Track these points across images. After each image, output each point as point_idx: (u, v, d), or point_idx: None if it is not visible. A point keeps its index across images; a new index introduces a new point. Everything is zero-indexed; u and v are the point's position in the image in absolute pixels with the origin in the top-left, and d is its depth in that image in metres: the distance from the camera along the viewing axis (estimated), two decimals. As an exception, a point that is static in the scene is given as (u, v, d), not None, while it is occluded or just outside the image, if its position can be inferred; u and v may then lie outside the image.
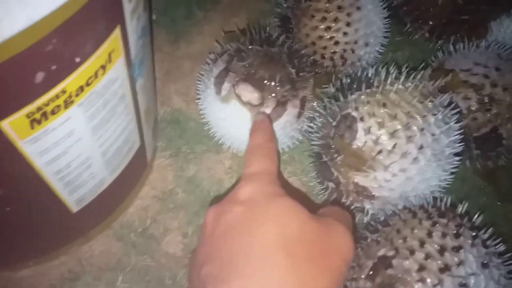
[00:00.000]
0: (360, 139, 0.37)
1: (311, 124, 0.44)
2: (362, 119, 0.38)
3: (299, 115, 0.44)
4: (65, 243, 0.41)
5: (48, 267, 0.42)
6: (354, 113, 0.38)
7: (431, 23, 0.47)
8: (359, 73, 0.43)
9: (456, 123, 0.39)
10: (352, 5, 0.47)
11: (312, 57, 0.50)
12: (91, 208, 0.38)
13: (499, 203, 0.50)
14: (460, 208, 0.36)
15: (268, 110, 0.42)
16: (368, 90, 0.39)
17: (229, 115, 0.43)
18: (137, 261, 0.43)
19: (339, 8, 0.47)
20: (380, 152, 0.37)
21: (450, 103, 0.40)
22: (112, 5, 0.24)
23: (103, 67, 0.26)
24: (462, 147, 0.39)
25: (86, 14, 0.22)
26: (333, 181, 0.41)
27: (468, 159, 0.48)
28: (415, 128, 0.36)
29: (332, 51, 0.49)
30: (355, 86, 0.40)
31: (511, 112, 0.43)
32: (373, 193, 0.39)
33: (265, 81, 0.41)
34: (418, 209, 0.36)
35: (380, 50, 0.52)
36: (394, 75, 0.39)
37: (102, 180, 0.36)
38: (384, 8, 0.50)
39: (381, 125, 0.37)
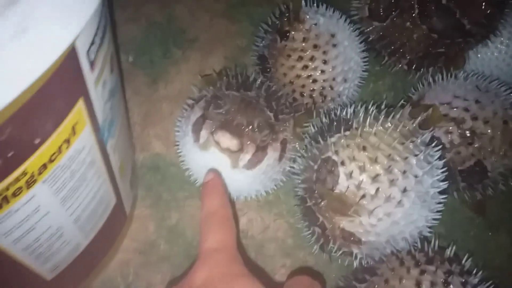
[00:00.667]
0: (343, 184, 0.36)
1: (294, 166, 0.43)
2: (343, 163, 0.37)
3: (281, 158, 0.43)
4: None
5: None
6: (334, 157, 0.37)
7: (408, 56, 0.47)
8: (338, 112, 0.42)
9: (439, 160, 0.39)
10: (328, 43, 0.47)
11: (292, 96, 0.49)
12: (68, 273, 0.36)
13: (490, 234, 0.49)
14: (449, 251, 0.35)
15: (248, 156, 0.41)
16: (347, 133, 0.38)
17: (209, 161, 0.42)
18: (120, 320, 0.41)
19: (315, 46, 0.46)
20: (363, 197, 0.36)
21: (432, 140, 0.40)
22: (72, 80, 0.23)
23: (67, 141, 0.25)
24: (446, 184, 0.39)
25: (43, 96, 0.21)
26: (319, 226, 0.40)
27: (455, 191, 0.47)
28: (397, 171, 0.35)
29: (311, 89, 0.48)
30: (334, 127, 0.40)
31: (494, 145, 0.42)
32: (360, 238, 0.38)
33: (243, 128, 0.40)
34: (405, 255, 0.35)
35: (361, 83, 0.52)
36: (373, 114, 0.39)
37: (77, 245, 0.34)
38: (361, 43, 0.50)
39: (362, 169, 0.36)
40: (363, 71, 0.51)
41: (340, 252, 0.40)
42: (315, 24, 0.47)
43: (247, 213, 0.48)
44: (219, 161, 0.41)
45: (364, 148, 0.36)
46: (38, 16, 0.19)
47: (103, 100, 0.28)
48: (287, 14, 0.47)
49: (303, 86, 0.48)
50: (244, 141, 0.41)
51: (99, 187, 0.32)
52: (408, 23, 0.45)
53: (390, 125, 0.37)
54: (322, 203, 0.38)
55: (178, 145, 0.45)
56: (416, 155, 0.36)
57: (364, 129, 0.37)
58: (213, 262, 0.29)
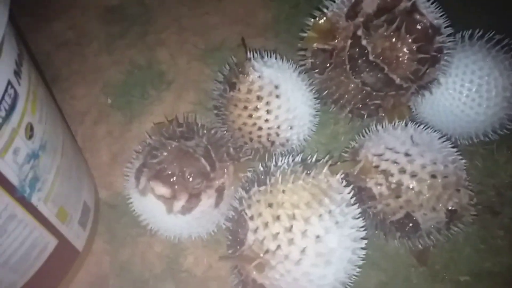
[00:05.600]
0: (250, 238, 0.39)
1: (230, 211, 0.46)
2: (251, 218, 0.39)
3: (217, 204, 0.46)
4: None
5: None
6: (247, 211, 0.40)
7: (347, 107, 0.49)
8: (269, 164, 0.44)
9: (357, 218, 0.40)
10: (271, 94, 0.49)
11: (242, 140, 0.52)
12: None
13: (434, 283, 0.49)
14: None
15: (181, 203, 0.44)
16: (262, 188, 0.40)
17: (147, 206, 0.46)
18: None
19: (258, 98, 0.49)
20: (267, 252, 0.38)
21: (361, 193, 0.41)
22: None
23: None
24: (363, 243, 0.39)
25: None
26: (238, 272, 0.42)
27: (396, 240, 0.47)
28: (297, 230, 0.37)
29: (258, 135, 0.51)
30: (256, 181, 0.42)
31: (421, 199, 0.42)
32: (269, 290, 0.39)
33: (175, 177, 0.44)
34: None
35: (311, 129, 0.54)
36: (289, 170, 0.41)
37: (13, 283, 0.39)
38: (309, 91, 0.52)
39: (266, 226, 0.38)
40: (313, 116, 0.53)
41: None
42: (259, 77, 0.49)
43: (193, 252, 0.51)
44: (156, 207, 0.45)
45: (270, 205, 0.38)
46: None
47: (17, 165, 0.33)
48: (234, 67, 0.51)
49: (250, 132, 0.51)
50: (177, 189, 0.44)
51: (27, 235, 0.37)
52: (342, 77, 0.46)
53: (301, 182, 0.39)
54: (238, 251, 0.40)
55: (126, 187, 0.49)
56: (320, 215, 0.37)
57: (277, 186, 0.39)
58: None
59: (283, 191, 0.39)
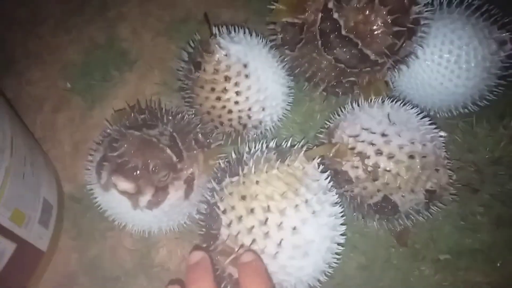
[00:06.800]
0: (224, 233, 0.36)
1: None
2: (224, 212, 0.37)
3: (187, 195, 0.44)
4: None
5: None
6: (219, 204, 0.37)
7: (322, 85, 0.46)
8: (242, 152, 0.42)
9: (335, 205, 0.38)
10: (240, 74, 0.46)
11: (212, 124, 0.49)
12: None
13: (414, 263, 0.48)
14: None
15: (147, 197, 0.41)
16: (234, 179, 0.38)
17: (111, 202, 0.43)
18: None
19: (226, 78, 0.46)
20: (242, 246, 0.35)
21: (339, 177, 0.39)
22: None
23: None
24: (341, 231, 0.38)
25: None
26: (215, 267, 0.40)
27: (375, 221, 0.46)
28: (272, 223, 0.35)
29: (228, 118, 0.48)
30: (228, 171, 0.39)
31: (399, 181, 0.41)
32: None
33: (138, 171, 0.41)
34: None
35: (284, 109, 0.51)
36: (262, 159, 0.38)
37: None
38: (281, 69, 0.48)
39: (239, 220, 0.35)
40: (286, 96, 0.50)
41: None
42: (226, 55, 0.46)
43: (166, 245, 0.49)
44: (120, 202, 0.42)
45: (243, 198, 0.36)
46: None
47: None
48: (198, 45, 0.47)
49: (220, 116, 0.48)
50: (141, 183, 0.41)
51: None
52: (314, 54, 0.43)
53: (276, 171, 0.37)
54: (213, 246, 0.38)
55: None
56: (296, 206, 0.35)
57: (250, 176, 0.37)
58: None
59: (257, 182, 0.36)
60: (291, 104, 0.52)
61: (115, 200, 0.42)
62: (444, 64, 0.47)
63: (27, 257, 0.43)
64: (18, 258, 0.41)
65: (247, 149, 0.42)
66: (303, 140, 0.41)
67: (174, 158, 0.42)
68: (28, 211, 0.41)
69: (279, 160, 0.38)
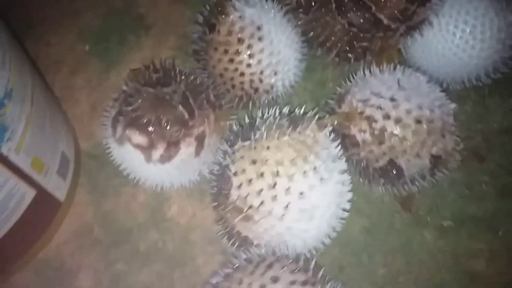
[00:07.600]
0: (234, 194, 0.38)
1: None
2: (235, 174, 0.38)
3: (198, 152, 0.45)
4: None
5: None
6: (231, 166, 0.39)
7: (333, 50, 0.46)
8: (255, 116, 0.42)
9: (343, 173, 0.39)
10: (253, 36, 0.46)
11: (225, 87, 0.50)
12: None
13: (417, 228, 0.49)
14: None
15: (159, 151, 0.43)
16: (246, 143, 0.39)
17: (125, 155, 0.44)
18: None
19: (239, 40, 0.46)
20: (250, 207, 0.37)
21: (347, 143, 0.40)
22: None
23: None
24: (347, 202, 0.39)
25: None
26: (223, 224, 0.42)
27: (380, 186, 0.47)
28: (280, 187, 0.36)
29: (240, 81, 0.49)
30: (241, 135, 0.40)
31: (405, 145, 0.41)
32: (252, 241, 0.39)
33: (151, 125, 0.42)
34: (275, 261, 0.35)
35: (297, 75, 0.51)
36: (275, 125, 0.39)
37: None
38: (295, 34, 0.49)
39: (249, 182, 0.37)
40: (299, 62, 0.50)
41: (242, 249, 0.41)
42: (240, 17, 0.46)
43: (177, 201, 0.51)
44: (134, 156, 0.43)
45: (254, 162, 0.37)
46: None
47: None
48: (213, 7, 0.47)
49: (232, 78, 0.49)
50: (154, 138, 0.42)
51: (1, 185, 0.36)
52: (328, 17, 0.43)
53: (287, 138, 0.38)
54: (223, 206, 0.40)
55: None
56: (304, 173, 0.36)
57: (261, 142, 0.38)
58: None
59: (268, 148, 0.37)
60: (304, 71, 0.52)
61: (129, 154, 0.44)
62: (459, 34, 0.47)
63: (45, 205, 0.45)
64: (38, 205, 0.43)
65: (260, 114, 0.43)
66: (316, 109, 0.42)
67: (186, 115, 0.43)
68: (47, 161, 0.43)
69: (291, 127, 0.39)
